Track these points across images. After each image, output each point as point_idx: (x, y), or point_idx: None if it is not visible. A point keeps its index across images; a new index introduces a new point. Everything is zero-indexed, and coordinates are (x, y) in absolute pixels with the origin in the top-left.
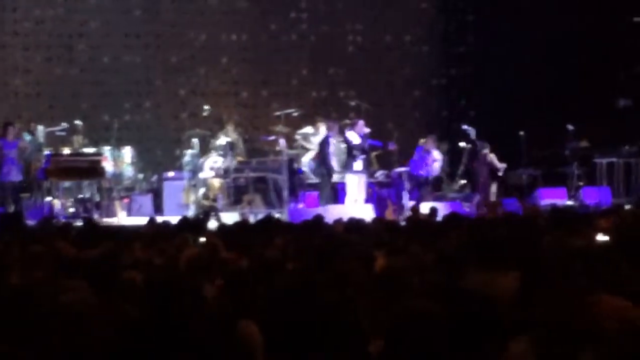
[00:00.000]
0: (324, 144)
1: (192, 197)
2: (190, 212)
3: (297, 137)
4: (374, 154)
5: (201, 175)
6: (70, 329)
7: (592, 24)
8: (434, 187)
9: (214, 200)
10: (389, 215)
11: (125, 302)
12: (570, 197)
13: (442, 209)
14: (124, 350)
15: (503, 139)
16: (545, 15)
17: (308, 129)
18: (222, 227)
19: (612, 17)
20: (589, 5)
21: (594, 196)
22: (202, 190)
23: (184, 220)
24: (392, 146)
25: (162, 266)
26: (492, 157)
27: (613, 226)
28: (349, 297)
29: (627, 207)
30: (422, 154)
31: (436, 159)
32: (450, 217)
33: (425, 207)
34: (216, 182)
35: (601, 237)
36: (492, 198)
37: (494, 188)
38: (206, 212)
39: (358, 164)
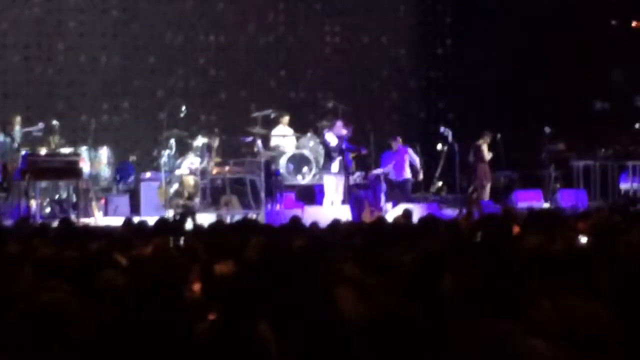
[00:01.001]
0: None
1: (166, 196)
2: (167, 213)
3: (273, 137)
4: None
5: (177, 172)
6: (48, 329)
7: (570, 27)
8: (404, 190)
9: (189, 198)
10: (367, 217)
11: (104, 303)
12: (546, 200)
13: (421, 212)
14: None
15: (476, 144)
16: (523, 19)
17: (283, 129)
18: (199, 228)
19: (590, 20)
20: (567, 8)
21: (571, 199)
22: (175, 187)
23: (162, 221)
24: (363, 151)
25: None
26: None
27: (590, 229)
28: (330, 297)
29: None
30: (391, 156)
31: (413, 159)
32: (427, 220)
33: (399, 210)
34: (191, 180)
35: (580, 240)
36: (486, 197)
37: (488, 188)
38: (183, 213)
39: (335, 166)
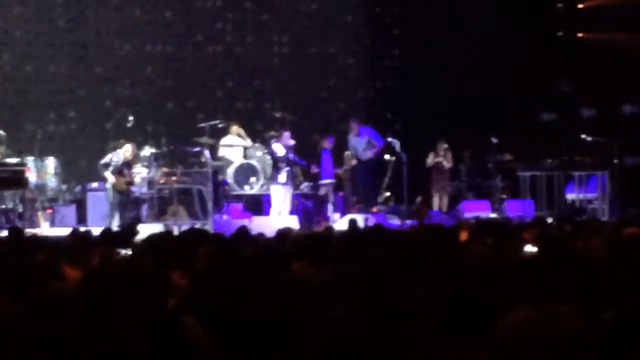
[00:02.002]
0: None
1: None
2: (114, 223)
3: (220, 147)
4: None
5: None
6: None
7: (517, 39)
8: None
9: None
10: (314, 227)
11: (49, 314)
12: (493, 210)
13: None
14: None
15: (428, 152)
16: (471, 30)
17: (231, 139)
18: (148, 238)
19: (536, 31)
20: (514, 20)
21: (517, 209)
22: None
23: (107, 232)
24: (314, 169)
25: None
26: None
27: (538, 238)
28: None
29: (549, 220)
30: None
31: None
32: (375, 229)
33: (346, 220)
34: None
35: (529, 249)
36: (439, 207)
37: (445, 199)
38: (131, 224)
39: (282, 176)
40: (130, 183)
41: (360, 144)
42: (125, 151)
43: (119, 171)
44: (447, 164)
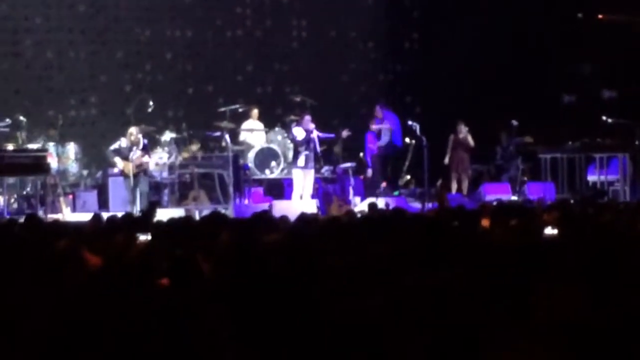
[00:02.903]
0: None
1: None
2: (136, 208)
3: (241, 131)
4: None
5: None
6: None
7: (538, 20)
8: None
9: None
10: (334, 210)
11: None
12: (514, 193)
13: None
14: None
15: (448, 135)
16: (491, 12)
17: (251, 124)
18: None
19: (557, 13)
20: (534, 2)
21: (538, 191)
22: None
23: (128, 217)
24: (346, 133)
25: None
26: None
27: (559, 220)
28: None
29: (571, 202)
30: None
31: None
32: (396, 213)
33: (366, 203)
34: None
35: (549, 231)
36: (464, 191)
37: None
38: (149, 209)
39: (302, 159)
40: (139, 166)
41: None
42: (129, 135)
43: (124, 156)
44: (470, 142)
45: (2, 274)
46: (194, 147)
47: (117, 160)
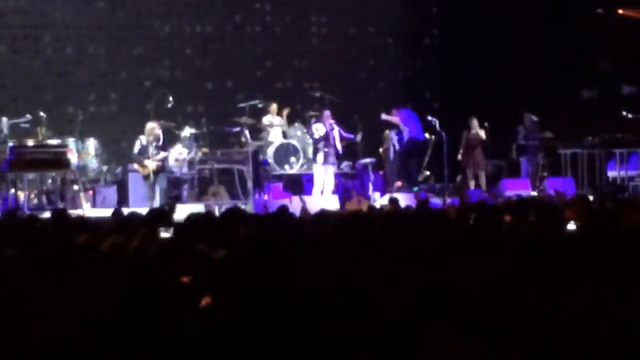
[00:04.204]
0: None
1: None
2: (155, 204)
3: (263, 127)
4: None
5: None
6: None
7: (557, 16)
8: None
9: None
10: (353, 205)
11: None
12: (534, 188)
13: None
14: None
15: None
16: (510, 7)
17: (270, 119)
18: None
19: (577, 8)
20: None
21: (558, 187)
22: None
23: (150, 212)
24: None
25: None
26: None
27: (579, 215)
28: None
29: (591, 197)
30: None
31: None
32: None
33: (386, 199)
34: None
35: (570, 226)
36: (483, 187)
37: (483, 177)
38: (171, 203)
39: (322, 156)
40: (158, 163)
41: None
42: (150, 129)
43: (146, 155)
44: (481, 135)
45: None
46: (205, 150)
47: (144, 162)
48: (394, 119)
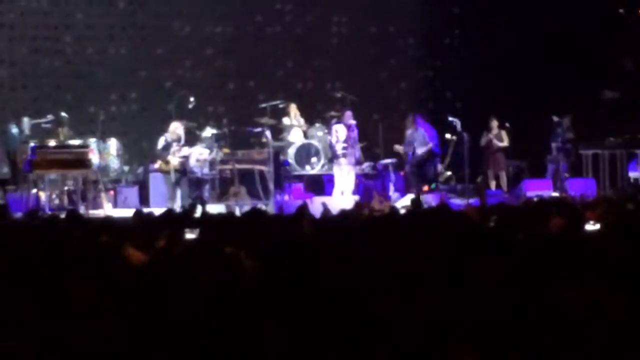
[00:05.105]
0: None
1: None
2: (176, 204)
3: (283, 127)
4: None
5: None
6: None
7: (578, 16)
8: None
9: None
10: (375, 206)
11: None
12: (555, 189)
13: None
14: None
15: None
16: (531, 7)
17: (290, 120)
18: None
19: (598, 8)
20: None
21: (580, 188)
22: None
23: (169, 213)
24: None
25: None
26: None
27: (601, 216)
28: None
29: (612, 198)
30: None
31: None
32: (439, 209)
33: (408, 199)
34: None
35: (591, 227)
36: (504, 188)
37: (504, 177)
38: (193, 203)
39: (342, 157)
40: (180, 162)
41: (417, 138)
42: (174, 128)
43: (169, 152)
44: (498, 142)
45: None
46: (226, 150)
47: (167, 157)
48: (401, 150)
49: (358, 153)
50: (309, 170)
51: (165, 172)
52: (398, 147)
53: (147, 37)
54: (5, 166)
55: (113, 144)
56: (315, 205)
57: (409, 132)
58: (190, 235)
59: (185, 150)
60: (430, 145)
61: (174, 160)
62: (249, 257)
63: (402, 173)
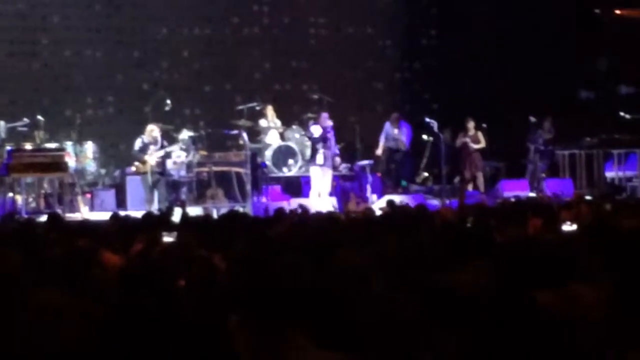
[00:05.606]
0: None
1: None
2: (153, 206)
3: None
4: None
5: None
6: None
7: (555, 17)
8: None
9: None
10: (352, 208)
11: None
12: (532, 189)
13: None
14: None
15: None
16: (508, 8)
17: (268, 121)
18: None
19: (574, 9)
20: None
21: (556, 188)
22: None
23: (149, 215)
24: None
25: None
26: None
27: (578, 216)
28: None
29: (588, 198)
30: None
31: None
32: (417, 210)
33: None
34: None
35: (567, 227)
36: (481, 188)
37: (481, 178)
38: (170, 207)
39: (320, 157)
40: (158, 165)
41: (397, 136)
42: (150, 131)
43: (146, 154)
44: (474, 144)
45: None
46: (203, 153)
47: (144, 158)
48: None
49: (336, 154)
50: (286, 172)
51: (142, 174)
52: (378, 152)
53: (123, 40)
54: None
55: (90, 147)
56: (293, 207)
57: (392, 129)
58: (167, 238)
59: (163, 151)
60: (405, 149)
61: (152, 161)
62: (225, 260)
63: (379, 174)
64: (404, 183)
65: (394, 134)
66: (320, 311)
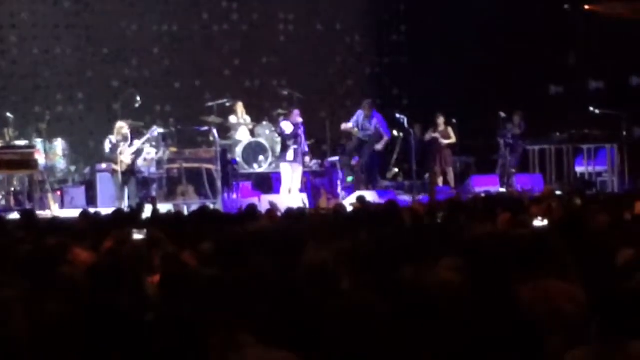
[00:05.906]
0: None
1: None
2: (124, 203)
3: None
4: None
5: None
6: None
7: (524, 11)
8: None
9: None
10: (323, 204)
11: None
12: (502, 184)
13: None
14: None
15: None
16: (477, 3)
17: (238, 118)
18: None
19: (544, 3)
20: None
21: (526, 183)
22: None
23: (117, 213)
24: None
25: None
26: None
27: (549, 211)
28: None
29: (558, 193)
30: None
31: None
32: (387, 206)
33: (353, 198)
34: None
35: (538, 223)
36: (452, 184)
37: (451, 173)
38: (140, 204)
39: (291, 154)
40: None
41: (368, 127)
42: (119, 129)
43: (114, 152)
44: (444, 139)
45: None
46: (173, 149)
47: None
48: (353, 130)
49: (306, 151)
50: (256, 169)
51: (122, 171)
52: (345, 126)
53: (93, 37)
54: None
55: (59, 144)
56: (263, 204)
57: (364, 119)
58: (138, 235)
59: (135, 147)
60: (386, 138)
61: (126, 159)
62: (194, 256)
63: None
64: (349, 178)
65: (364, 124)
66: (279, 308)
